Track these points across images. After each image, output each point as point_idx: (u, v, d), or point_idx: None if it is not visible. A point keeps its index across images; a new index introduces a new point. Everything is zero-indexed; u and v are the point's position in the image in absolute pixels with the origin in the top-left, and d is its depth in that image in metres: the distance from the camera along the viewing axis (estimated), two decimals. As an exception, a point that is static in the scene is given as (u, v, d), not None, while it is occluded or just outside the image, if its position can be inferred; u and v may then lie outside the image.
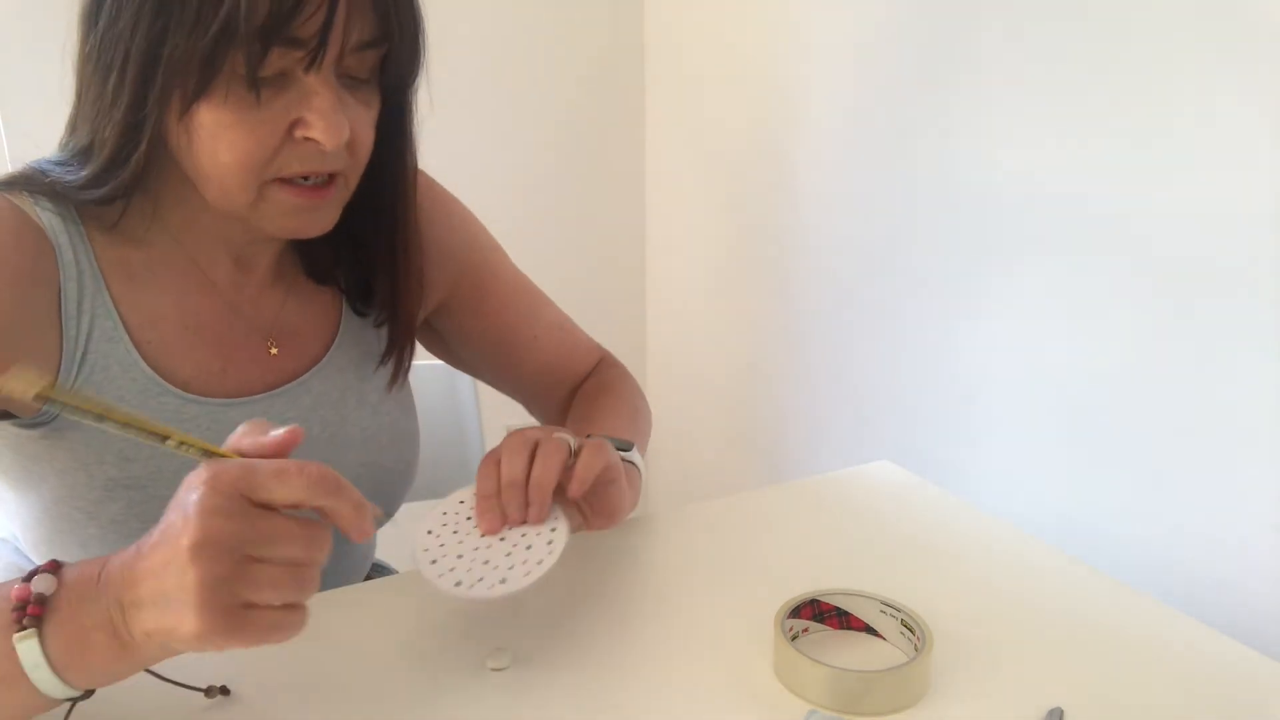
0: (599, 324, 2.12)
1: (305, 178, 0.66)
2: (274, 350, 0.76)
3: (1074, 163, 1.09)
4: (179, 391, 0.70)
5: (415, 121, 0.74)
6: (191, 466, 0.69)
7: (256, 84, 0.61)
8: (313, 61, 0.61)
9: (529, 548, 0.65)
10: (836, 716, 0.60)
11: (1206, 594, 1.01)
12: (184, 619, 0.46)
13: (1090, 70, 1.05)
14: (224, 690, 0.62)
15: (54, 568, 0.50)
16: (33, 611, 0.48)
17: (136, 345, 0.69)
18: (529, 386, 0.96)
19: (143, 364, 0.69)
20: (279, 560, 0.49)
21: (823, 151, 1.48)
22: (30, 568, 0.74)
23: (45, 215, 0.67)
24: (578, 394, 0.95)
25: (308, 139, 0.63)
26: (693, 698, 0.64)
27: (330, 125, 0.63)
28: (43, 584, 0.49)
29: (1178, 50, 0.96)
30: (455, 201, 0.90)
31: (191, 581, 0.46)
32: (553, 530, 0.66)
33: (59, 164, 0.67)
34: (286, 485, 0.49)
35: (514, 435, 0.67)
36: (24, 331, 0.65)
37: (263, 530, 0.48)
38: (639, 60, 1.94)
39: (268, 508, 0.49)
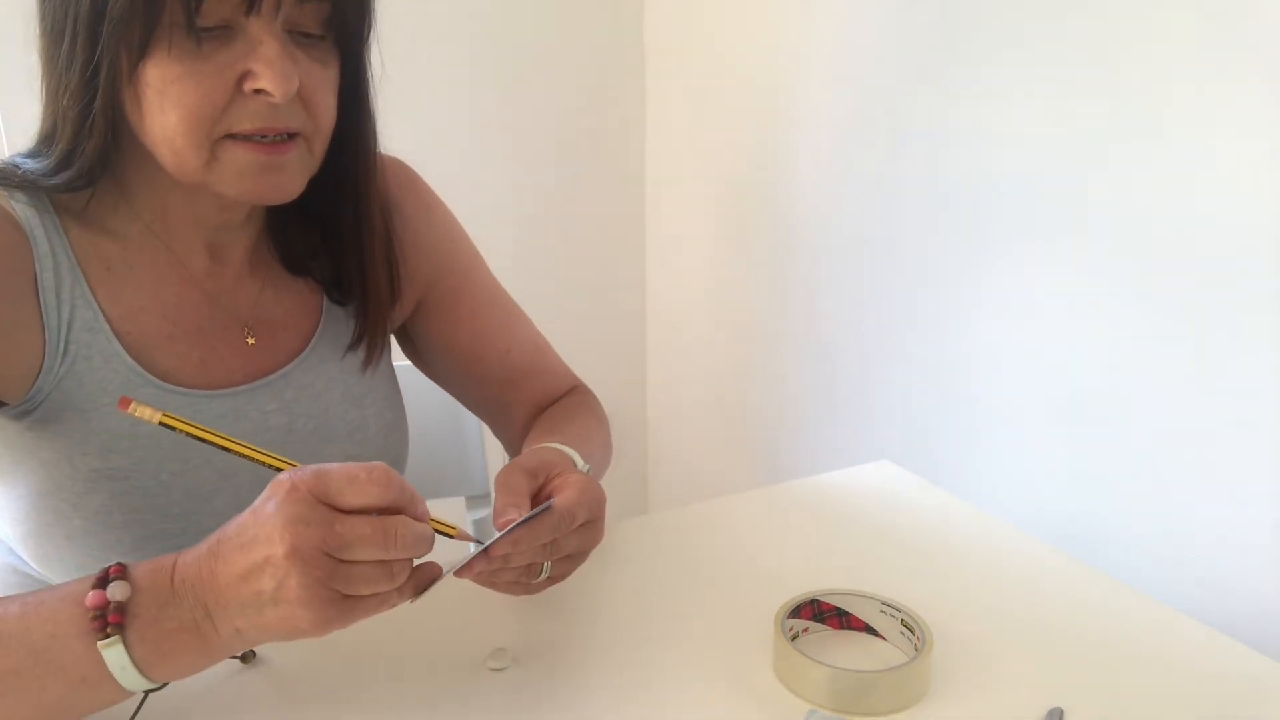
0: (599, 324, 2.13)
1: (262, 136, 0.65)
2: (251, 340, 0.76)
3: (1074, 160, 1.09)
4: (159, 382, 0.70)
5: (372, 89, 0.74)
6: (171, 456, 0.69)
7: (196, 32, 0.60)
8: (251, 7, 0.61)
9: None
10: (836, 716, 0.60)
11: (1206, 594, 1.01)
12: (299, 616, 0.52)
13: (1090, 64, 1.05)
14: (251, 654, 0.68)
15: (121, 572, 0.53)
16: (114, 619, 0.51)
17: (117, 336, 0.69)
18: (494, 402, 0.93)
19: (124, 355, 0.69)
20: (362, 560, 0.53)
21: (822, 150, 1.48)
22: (22, 566, 0.75)
23: (19, 208, 0.67)
24: (545, 413, 0.91)
25: (258, 91, 0.63)
26: (693, 698, 0.64)
27: (277, 73, 0.62)
28: (119, 591, 0.52)
29: (1178, 44, 0.96)
30: (439, 203, 0.89)
31: (295, 585, 0.51)
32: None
33: (29, 156, 0.68)
34: (357, 491, 0.53)
35: (595, 503, 0.66)
36: (7, 321, 0.65)
37: (342, 535, 0.52)
38: (639, 61, 1.94)
39: (344, 510, 0.53)
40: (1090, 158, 1.07)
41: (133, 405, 0.55)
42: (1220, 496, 0.99)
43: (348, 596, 0.53)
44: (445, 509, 1.20)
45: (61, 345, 0.67)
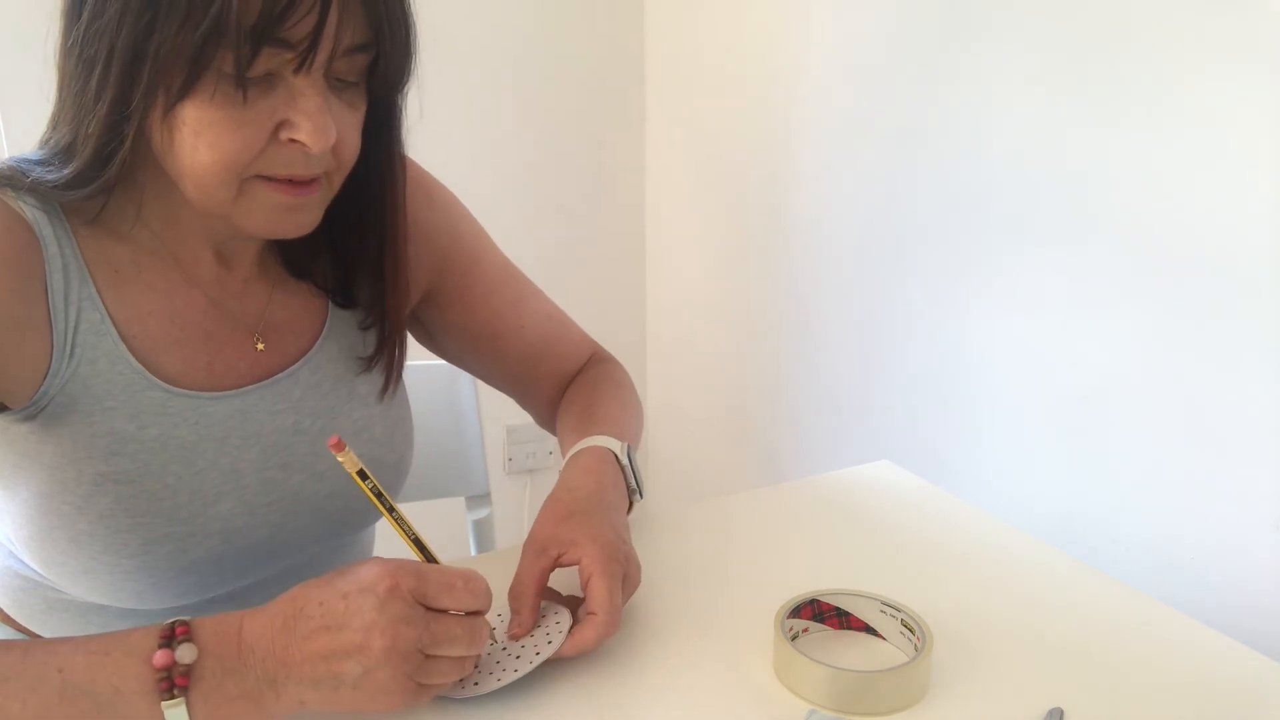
0: (599, 323, 2.13)
1: (290, 179, 0.65)
2: (260, 346, 0.76)
3: (1075, 160, 1.09)
4: (166, 385, 0.70)
5: (404, 125, 0.74)
6: (177, 458, 0.69)
7: (244, 84, 0.60)
8: (302, 64, 0.61)
9: (522, 646, 0.66)
10: (836, 716, 0.60)
11: (1206, 594, 1.01)
12: (377, 702, 0.56)
13: (1090, 64, 1.05)
14: None
15: (188, 632, 0.55)
16: (180, 682, 0.54)
17: (124, 339, 0.69)
18: (517, 378, 0.95)
19: (130, 358, 0.69)
20: (449, 656, 0.59)
21: (821, 150, 1.48)
22: (23, 569, 0.74)
23: (29, 210, 0.66)
24: (572, 388, 0.94)
25: (293, 140, 0.63)
26: (693, 698, 0.64)
27: (317, 128, 0.62)
28: (187, 654, 0.54)
29: (1182, 44, 0.96)
30: (439, 186, 0.89)
31: (384, 676, 0.56)
32: (549, 642, 0.66)
33: (39, 163, 0.67)
34: (453, 598, 0.59)
35: (613, 562, 0.68)
36: (17, 322, 0.64)
37: (436, 633, 0.57)
38: (639, 60, 1.94)
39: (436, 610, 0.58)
40: (1090, 158, 1.07)
41: (346, 451, 0.60)
42: (1220, 496, 0.99)
43: (421, 685, 0.58)
44: (445, 509, 1.21)
45: (68, 347, 0.67)
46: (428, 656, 0.57)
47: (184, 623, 0.56)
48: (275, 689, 0.55)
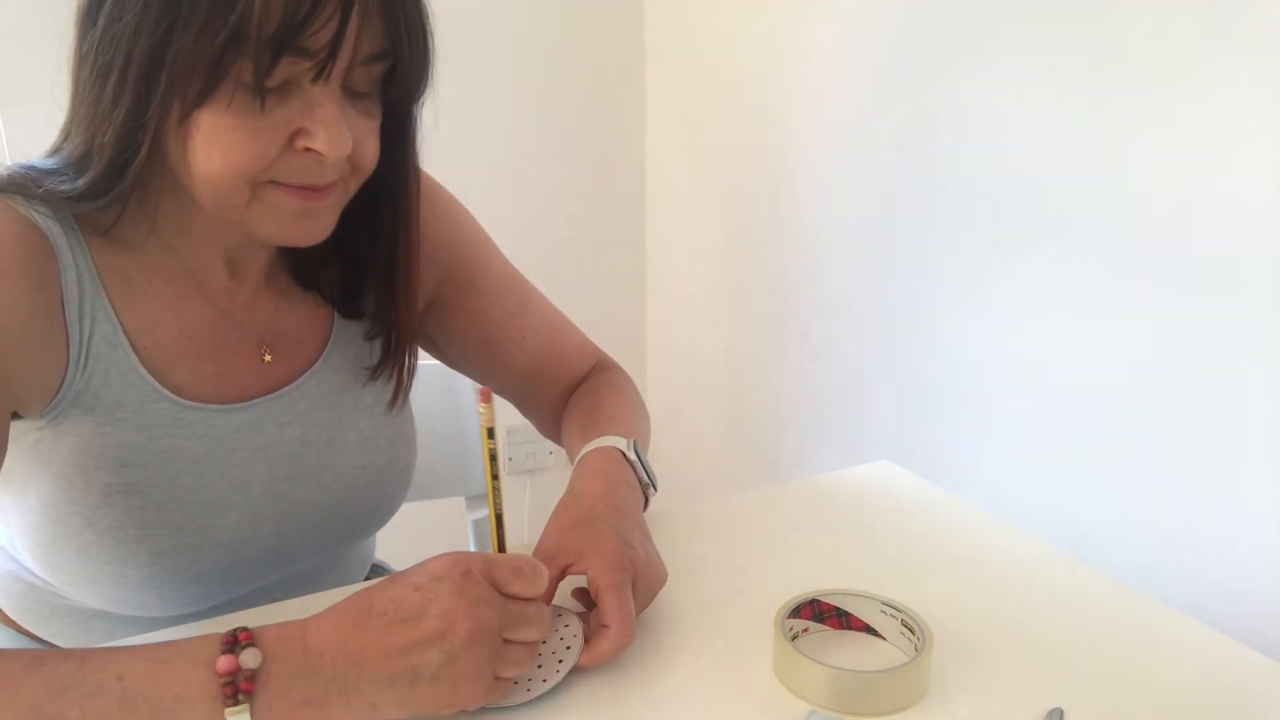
0: (599, 324, 2.13)
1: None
2: (268, 357, 0.76)
3: (1076, 159, 1.09)
4: (174, 397, 0.70)
5: (419, 135, 0.74)
6: (186, 470, 0.69)
7: (262, 93, 0.60)
8: (320, 72, 0.60)
9: (540, 655, 0.65)
10: (836, 716, 0.60)
11: (1206, 594, 1.01)
12: (456, 693, 0.55)
13: (1094, 63, 1.05)
14: None
15: (251, 638, 0.54)
16: (245, 688, 0.53)
17: (135, 350, 0.69)
18: (520, 386, 0.95)
19: (142, 369, 0.69)
20: (523, 641, 0.58)
21: (822, 149, 1.48)
22: (26, 575, 0.74)
23: (41, 219, 0.66)
24: (575, 396, 0.93)
25: (309, 149, 0.62)
26: (693, 698, 0.64)
27: (333, 137, 0.62)
28: (251, 659, 0.53)
29: (1183, 44, 0.96)
30: (444, 193, 0.89)
31: (467, 662, 0.54)
32: (568, 648, 0.66)
33: (50, 172, 0.66)
34: (524, 584, 0.58)
35: (619, 571, 0.66)
36: (35, 332, 0.64)
37: (514, 615, 0.57)
38: (639, 60, 1.94)
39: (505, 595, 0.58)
40: (1089, 159, 1.07)
41: (490, 403, 0.62)
42: (1220, 496, 0.99)
43: (496, 678, 0.57)
44: (445, 509, 1.21)
45: (82, 358, 0.67)
46: (505, 642, 0.56)
47: (245, 629, 0.55)
48: (345, 693, 0.54)
